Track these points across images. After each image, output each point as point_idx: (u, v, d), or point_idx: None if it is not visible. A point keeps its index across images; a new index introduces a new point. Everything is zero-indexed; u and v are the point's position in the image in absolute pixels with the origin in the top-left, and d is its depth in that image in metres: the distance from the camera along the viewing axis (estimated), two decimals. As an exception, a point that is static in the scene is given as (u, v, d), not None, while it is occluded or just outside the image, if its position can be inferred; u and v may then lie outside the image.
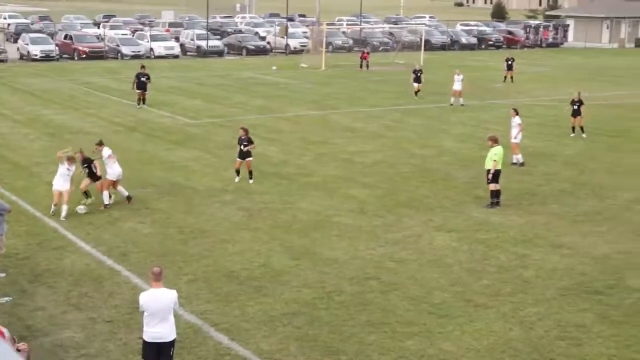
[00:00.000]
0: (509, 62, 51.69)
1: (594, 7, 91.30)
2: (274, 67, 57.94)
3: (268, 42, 72.23)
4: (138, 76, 38.66)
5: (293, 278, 17.04)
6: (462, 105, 40.84)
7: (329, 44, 68.03)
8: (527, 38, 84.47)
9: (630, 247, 19.45)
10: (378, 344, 14.03)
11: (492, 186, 22.61)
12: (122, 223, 20.63)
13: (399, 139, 32.41)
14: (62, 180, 20.68)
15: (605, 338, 14.40)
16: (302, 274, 17.28)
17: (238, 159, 24.86)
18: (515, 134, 27.69)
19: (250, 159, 24.83)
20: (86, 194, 21.96)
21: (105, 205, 21.82)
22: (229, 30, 77.66)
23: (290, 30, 73.52)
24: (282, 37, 71.51)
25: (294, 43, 71.62)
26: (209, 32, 70.24)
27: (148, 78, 38.75)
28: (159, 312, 11.74)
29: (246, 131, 24.78)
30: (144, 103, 38.88)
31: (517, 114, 27.93)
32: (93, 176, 21.81)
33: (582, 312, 15.54)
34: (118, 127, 33.87)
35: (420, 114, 38.89)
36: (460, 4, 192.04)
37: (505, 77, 51.70)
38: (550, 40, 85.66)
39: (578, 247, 19.39)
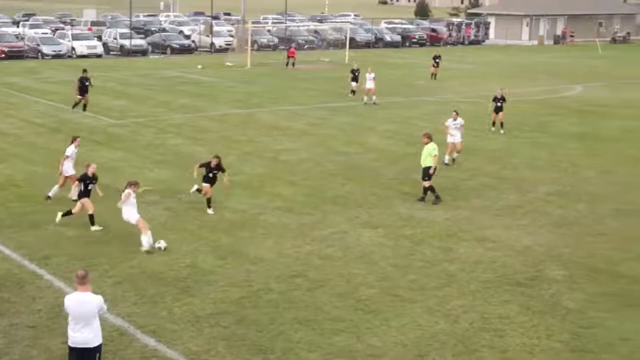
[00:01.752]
0: (437, 60, 52.29)
1: (514, 5, 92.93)
2: (199, 66, 57.58)
3: (193, 41, 71.68)
4: (82, 80, 36.83)
5: (220, 278, 16.97)
6: (374, 103, 40.86)
7: (254, 42, 67.91)
8: (450, 36, 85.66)
9: (550, 239, 19.89)
10: (306, 341, 14.07)
11: (428, 183, 22.87)
12: (45, 226, 20.24)
13: (325, 137, 32.53)
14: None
15: (527, 328, 14.70)
16: (229, 274, 17.22)
17: (205, 184, 21.70)
18: (456, 134, 27.58)
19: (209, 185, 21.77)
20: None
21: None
22: (153, 28, 76.80)
23: (215, 28, 73.11)
24: (207, 36, 71.08)
25: (219, 41, 71.25)
26: (132, 31, 69.37)
27: (90, 82, 37.12)
28: (82, 316, 11.52)
29: (219, 160, 21.72)
30: (84, 109, 36.92)
31: (458, 115, 27.84)
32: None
33: (505, 303, 15.83)
34: (40, 129, 33.22)
35: (347, 111, 39.09)
36: (384, 2, 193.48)
37: (433, 75, 52.27)
38: (472, 37, 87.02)
39: (501, 240, 19.75)
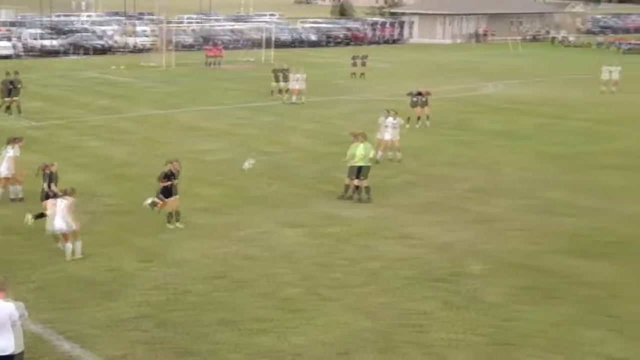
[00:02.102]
0: (363, 60, 52.65)
1: (434, 4, 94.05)
2: (119, 66, 56.81)
3: (114, 41, 70.70)
4: (5, 83, 35.89)
5: (142, 281, 16.81)
6: (302, 103, 40.94)
7: (175, 42, 67.32)
8: (371, 35, 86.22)
9: (470, 235, 20.23)
10: (229, 342, 14.04)
11: (358, 182, 23.17)
12: (-40, 232, 19.76)
13: (247, 137, 32.47)
14: None
15: (448, 323, 14.93)
16: (151, 276, 17.07)
17: (167, 198, 20.42)
18: (393, 133, 28.00)
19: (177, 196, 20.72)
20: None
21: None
22: (72, 29, 75.49)
23: (136, 28, 72.26)
24: (127, 36, 70.19)
25: (139, 41, 70.42)
26: (50, 31, 68.07)
27: (17, 85, 36.14)
28: (-3, 323, 11.27)
29: (178, 163, 20.82)
30: (7, 111, 35.89)
31: (396, 114, 28.31)
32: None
33: (426, 299, 16.05)
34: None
35: (269, 111, 39.07)
36: (300, 2, 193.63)
37: (354, 74, 52.55)
38: (393, 37, 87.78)
39: (422, 237, 20.01)
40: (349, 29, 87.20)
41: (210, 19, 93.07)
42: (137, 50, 68.85)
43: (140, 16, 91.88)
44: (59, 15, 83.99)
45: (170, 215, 20.33)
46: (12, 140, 23.05)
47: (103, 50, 67.50)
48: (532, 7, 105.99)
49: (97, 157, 28.27)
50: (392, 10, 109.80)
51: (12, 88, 36.03)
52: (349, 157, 23.31)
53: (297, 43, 79.54)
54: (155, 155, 28.52)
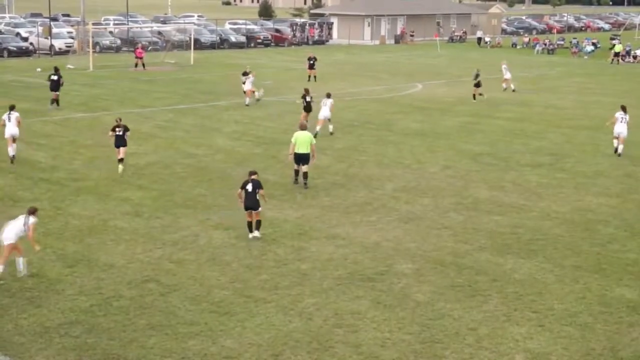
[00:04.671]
0: (311, 62, 52.11)
1: (356, 6, 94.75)
2: (39, 69, 55.63)
3: (31, 43, 69.21)
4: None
5: (68, 286, 16.50)
6: (247, 105, 40.83)
7: (96, 44, 66.34)
8: (294, 36, 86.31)
9: (398, 235, 20.41)
10: (160, 347, 13.88)
11: (306, 167, 24.61)
12: None
13: (172, 139, 32.17)
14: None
15: (379, 322, 15.04)
16: (77, 282, 16.77)
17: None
18: (327, 112, 32.64)
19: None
20: None
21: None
22: (-15, 31, 73.72)
23: (55, 30, 70.90)
24: (46, 38, 68.82)
25: (59, 44, 69.10)
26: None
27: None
28: None
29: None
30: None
31: (330, 96, 33.09)
32: None
33: (357, 299, 16.13)
34: None
35: (193, 113, 38.79)
36: (227, 3, 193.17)
37: (310, 77, 51.89)
38: (317, 37, 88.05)
39: (351, 237, 20.10)
40: (276, 30, 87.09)
41: (137, 20, 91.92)
42: (57, 52, 67.55)
43: (60, 17, 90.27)
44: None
45: (249, 224, 20.06)
46: None
47: (21, 53, 65.99)
48: (452, 8, 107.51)
49: (19, 161, 27.63)
50: (312, 11, 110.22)
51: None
52: (292, 145, 24.73)
53: (221, 44, 79.12)
54: (75, 159, 28.09)
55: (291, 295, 16.25)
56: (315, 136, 28.20)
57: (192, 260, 18.22)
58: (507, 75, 49.50)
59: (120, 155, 26.34)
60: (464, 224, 21.54)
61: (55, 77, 39.05)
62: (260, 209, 19.88)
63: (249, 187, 19.75)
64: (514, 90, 48.67)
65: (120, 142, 26.32)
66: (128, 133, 26.59)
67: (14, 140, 27.84)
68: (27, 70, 55.33)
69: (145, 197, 23.45)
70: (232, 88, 46.94)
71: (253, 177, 19.98)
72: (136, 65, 57.38)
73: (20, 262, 17.13)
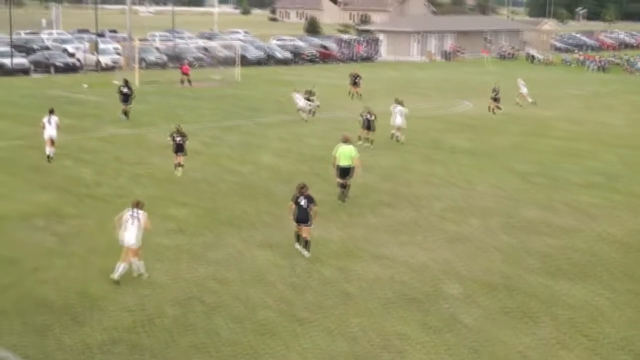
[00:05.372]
0: (355, 79, 52.17)
1: (404, 22, 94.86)
2: (85, 85, 56.40)
3: (78, 59, 70.22)
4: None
5: (111, 303, 16.61)
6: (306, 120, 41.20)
7: (142, 60, 67.05)
8: (341, 52, 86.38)
9: (446, 255, 20.23)
10: (203, 367, 13.89)
11: (349, 180, 25.11)
12: None
13: (217, 156, 32.33)
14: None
15: (427, 346, 14.89)
16: (121, 299, 16.87)
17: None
18: (400, 120, 35.19)
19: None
20: None
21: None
22: (35, 46, 74.91)
23: (101, 46, 71.83)
24: (93, 54, 69.77)
25: (105, 60, 69.99)
26: (13, 49, 67.48)
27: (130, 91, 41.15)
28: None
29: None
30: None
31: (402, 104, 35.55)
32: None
33: (403, 321, 16.00)
34: None
35: (238, 130, 38.96)
36: (274, 19, 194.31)
37: (350, 92, 52.04)
38: (364, 54, 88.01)
39: (397, 258, 19.97)
40: (323, 46, 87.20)
41: (183, 36, 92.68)
42: (103, 68, 68.40)
43: (106, 33, 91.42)
44: (18, 33, 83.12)
45: (297, 235, 20.37)
46: None
47: (68, 69, 66.92)
48: (501, 25, 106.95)
49: (65, 177, 27.98)
50: (360, 28, 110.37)
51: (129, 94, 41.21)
52: (334, 159, 25.20)
53: (267, 61, 79.36)
54: (120, 176, 28.36)
55: (336, 316, 16.17)
56: (398, 141, 34.56)
57: (236, 279, 18.23)
58: (523, 91, 49.96)
59: (178, 161, 28.43)
60: (514, 245, 21.29)
61: (125, 90, 41.30)
62: (311, 225, 19.90)
63: (303, 201, 19.85)
64: (533, 102, 49.24)
65: (179, 149, 28.39)
66: (187, 141, 28.56)
67: (52, 142, 30.32)
68: (73, 86, 56.07)
69: (190, 215, 23.56)
70: (277, 105, 47.12)
71: (304, 190, 20.02)
72: (182, 81, 57.83)
73: (141, 265, 18.11)
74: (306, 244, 19.98)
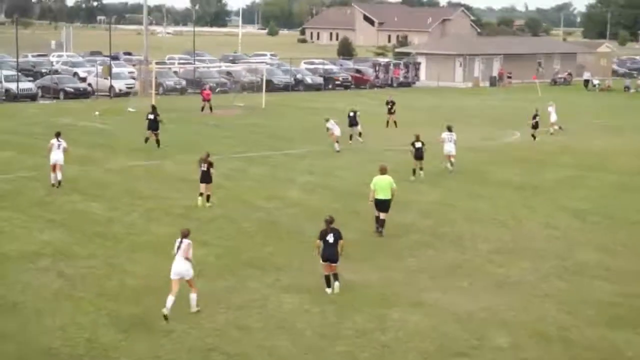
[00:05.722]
0: (389, 106, 52.39)
1: (446, 44, 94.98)
2: (97, 112, 56.96)
3: (89, 84, 70.99)
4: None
5: (123, 354, 16.65)
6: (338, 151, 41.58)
7: (159, 85, 67.65)
8: (377, 77, 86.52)
9: (492, 302, 20.08)
10: None
11: (384, 215, 25.49)
12: None
13: (240, 191, 32.45)
14: None
15: (472, 404, 14.73)
16: (133, 348, 16.90)
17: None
18: (452, 147, 36.56)
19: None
20: None
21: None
22: (44, 70, 75.87)
23: (115, 70, 72.59)
24: (105, 78, 70.54)
25: (119, 84, 70.70)
26: (19, 73, 68.39)
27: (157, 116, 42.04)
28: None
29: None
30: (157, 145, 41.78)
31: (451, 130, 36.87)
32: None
33: (446, 376, 15.86)
34: None
35: (264, 162, 39.12)
36: (303, 40, 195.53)
37: (388, 122, 52.20)
38: (402, 79, 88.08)
39: (439, 305, 19.85)
40: (357, 70, 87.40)
41: (204, 59, 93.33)
42: (117, 94, 68.95)
43: (120, 56, 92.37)
44: (25, 56, 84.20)
45: (327, 278, 20.61)
46: None
47: (78, 94, 67.55)
48: (554, 47, 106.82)
49: (73, 213, 28.20)
50: (397, 50, 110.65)
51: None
52: (372, 192, 25.73)
53: (296, 86, 79.56)
54: (133, 211, 28.50)
55: (371, 370, 16.08)
56: (449, 172, 35.69)
57: (260, 328, 18.21)
58: (553, 118, 50.45)
59: (203, 190, 29.28)
60: (568, 291, 21.12)
61: (152, 117, 42.15)
62: (339, 262, 20.03)
63: (330, 238, 20.02)
64: (560, 128, 50.34)
65: (205, 177, 29.25)
66: (214, 170, 29.45)
67: (58, 168, 31.52)
68: (84, 114, 56.57)
69: (209, 255, 23.61)
70: (306, 134, 47.27)
71: (331, 225, 20.12)
72: (202, 108, 58.17)
73: (193, 298, 18.77)
74: (336, 276, 20.43)
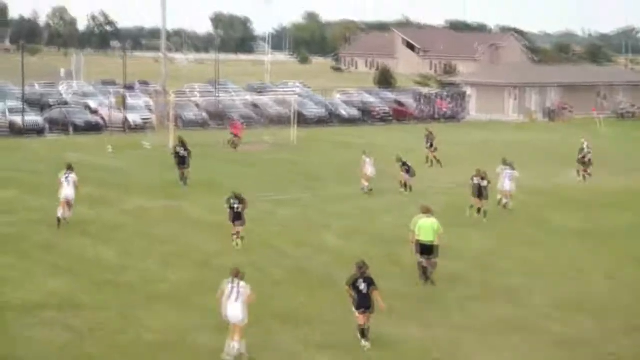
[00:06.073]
0: (428, 140, 52.33)
1: (497, 73, 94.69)
2: (110, 148, 57.32)
3: (101, 117, 71.45)
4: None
5: (136, 417, 16.59)
6: (370, 190, 41.41)
7: (178, 117, 67.93)
8: (420, 110, 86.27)
9: (551, 363, 19.89)
10: None
11: (433, 259, 25.91)
12: None
13: (268, 236, 32.45)
14: None
15: None
16: (147, 412, 16.85)
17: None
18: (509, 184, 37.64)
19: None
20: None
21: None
22: (52, 101, 76.50)
23: (130, 101, 73.07)
24: (119, 110, 70.96)
25: (134, 117, 71.03)
26: (25, 105, 69.01)
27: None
28: None
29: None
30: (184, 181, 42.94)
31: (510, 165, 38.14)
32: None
33: None
34: None
35: (294, 203, 39.13)
36: (338, 69, 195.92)
37: (428, 158, 52.10)
38: (448, 112, 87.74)
39: (490, 366, 19.69)
40: (397, 102, 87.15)
41: (227, 89, 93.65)
42: (132, 128, 69.25)
43: (136, 86, 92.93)
44: (32, 85, 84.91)
45: (362, 330, 20.83)
46: None
47: (89, 128, 67.89)
48: (618, 77, 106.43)
49: (81, 259, 28.31)
50: (442, 79, 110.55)
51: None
52: (412, 234, 26.24)
53: (330, 119, 79.35)
54: (148, 257, 28.56)
55: None
56: (506, 208, 36.79)
57: (290, 389, 18.13)
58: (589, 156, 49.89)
59: (236, 230, 30.40)
60: (637, 351, 20.86)
61: (182, 152, 43.66)
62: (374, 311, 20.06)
63: (362, 285, 20.01)
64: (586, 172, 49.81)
65: (235, 217, 30.33)
66: (246, 209, 30.54)
67: (68, 204, 32.41)
68: (96, 149, 56.91)
69: (233, 307, 23.54)
70: (341, 173, 47.24)
71: (363, 271, 20.15)
72: (234, 143, 58.03)
73: (235, 347, 19.43)
74: (364, 332, 20.36)
